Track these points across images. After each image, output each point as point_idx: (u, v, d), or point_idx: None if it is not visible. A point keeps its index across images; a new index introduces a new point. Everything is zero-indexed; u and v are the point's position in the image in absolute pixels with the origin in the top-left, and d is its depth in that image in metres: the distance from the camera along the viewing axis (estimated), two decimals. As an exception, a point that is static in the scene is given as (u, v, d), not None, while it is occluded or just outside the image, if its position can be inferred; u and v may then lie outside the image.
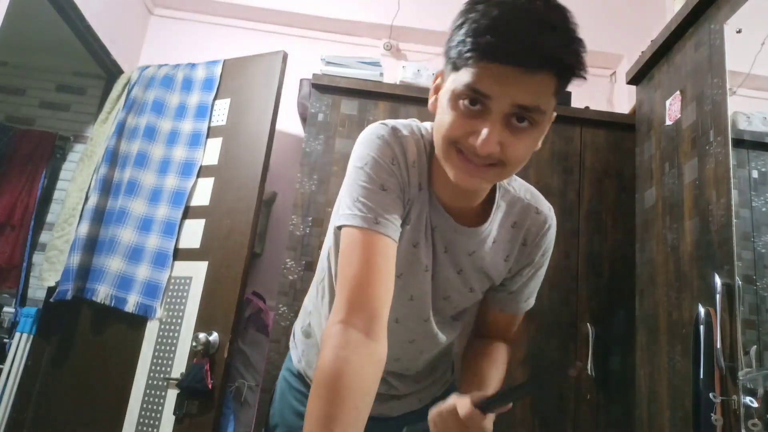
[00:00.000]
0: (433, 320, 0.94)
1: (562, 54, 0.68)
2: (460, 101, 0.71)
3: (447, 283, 0.92)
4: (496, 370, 0.92)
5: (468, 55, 0.68)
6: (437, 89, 0.80)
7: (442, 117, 0.75)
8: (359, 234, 0.77)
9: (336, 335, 0.70)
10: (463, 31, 0.69)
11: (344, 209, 0.80)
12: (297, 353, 1.04)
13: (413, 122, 0.88)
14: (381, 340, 0.72)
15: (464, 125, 0.72)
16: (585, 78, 0.73)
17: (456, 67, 0.71)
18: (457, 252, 0.89)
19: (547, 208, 0.96)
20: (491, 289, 0.98)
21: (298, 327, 1.07)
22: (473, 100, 0.70)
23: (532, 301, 1.01)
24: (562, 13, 0.70)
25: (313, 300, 1.02)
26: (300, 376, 1.02)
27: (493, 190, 0.90)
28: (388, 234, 0.78)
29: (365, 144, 0.83)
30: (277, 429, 1.00)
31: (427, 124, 0.89)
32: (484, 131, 0.69)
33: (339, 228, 0.80)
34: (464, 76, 0.70)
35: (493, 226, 0.90)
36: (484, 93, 0.69)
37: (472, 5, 0.71)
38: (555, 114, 0.80)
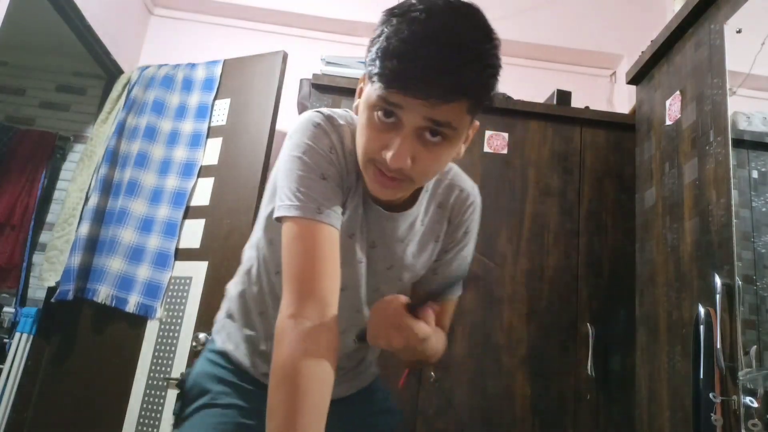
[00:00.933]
0: (364, 311, 0.94)
1: (469, 86, 0.68)
2: (375, 113, 0.72)
3: (378, 276, 0.93)
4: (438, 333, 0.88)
5: (375, 78, 0.69)
6: (361, 92, 0.79)
7: (361, 130, 0.76)
8: (302, 225, 0.76)
9: (290, 329, 0.70)
10: (376, 47, 0.70)
11: (283, 200, 0.78)
12: (222, 336, 1.01)
13: (348, 113, 0.88)
14: (334, 329, 0.72)
15: (378, 139, 0.72)
16: (492, 104, 0.75)
17: (371, 78, 0.72)
18: (388, 242, 0.90)
19: (470, 186, 0.97)
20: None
21: (221, 315, 1.06)
22: (387, 112, 0.71)
23: (458, 288, 0.98)
24: (480, 33, 0.70)
25: (237, 288, 1.01)
26: (222, 353, 0.99)
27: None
28: (332, 223, 0.77)
29: (301, 132, 0.81)
30: (199, 397, 0.96)
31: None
32: (395, 144, 0.70)
33: (278, 219, 0.79)
34: (379, 89, 0.70)
35: (420, 209, 0.91)
36: (397, 103, 0.69)
37: (388, 16, 0.71)
38: (477, 123, 0.80)
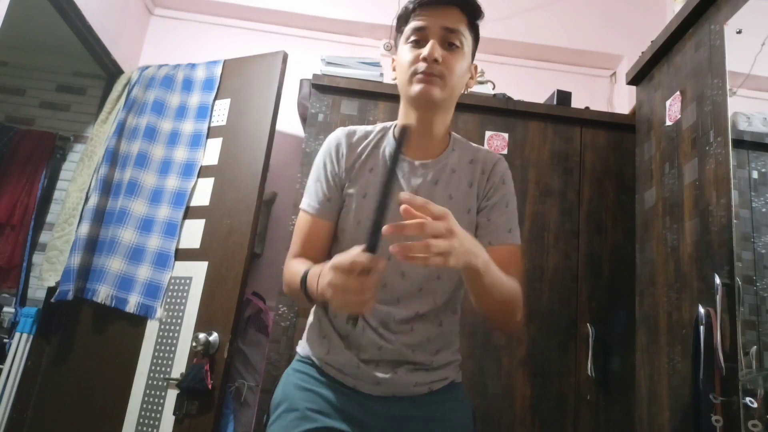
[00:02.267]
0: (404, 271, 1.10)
1: None
2: (408, 43, 1.07)
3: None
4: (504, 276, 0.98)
5: (410, 7, 1.08)
6: (393, 67, 1.15)
7: (400, 61, 1.10)
8: (302, 215, 1.15)
9: (287, 263, 1.13)
10: (406, 2, 1.10)
11: (304, 194, 1.17)
12: (301, 345, 1.17)
13: (373, 126, 1.21)
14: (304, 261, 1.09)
15: (415, 54, 1.06)
16: (482, 16, 1.11)
17: (400, 30, 1.11)
18: (422, 188, 1.11)
19: (497, 154, 1.20)
20: (477, 223, 1.13)
21: (309, 323, 1.20)
22: (416, 41, 1.07)
23: (516, 235, 1.14)
24: None
25: None
26: (305, 359, 1.13)
27: (447, 143, 1.17)
28: (317, 215, 1.13)
29: (322, 148, 1.19)
30: (281, 404, 1.08)
31: (389, 123, 1.21)
32: (428, 45, 1.04)
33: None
34: (408, 27, 1.08)
35: (449, 161, 1.14)
36: (421, 26, 1.06)
37: None
38: (477, 66, 1.19)
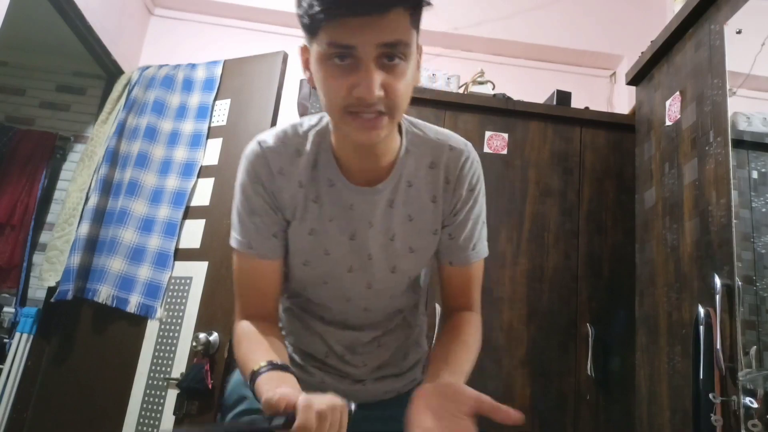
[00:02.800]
0: (357, 300, 0.97)
1: None
2: (329, 62, 0.74)
3: (382, 252, 0.93)
4: (463, 349, 0.90)
5: (319, 17, 0.71)
6: (307, 64, 0.82)
7: (322, 87, 0.78)
8: (240, 258, 0.92)
9: (241, 326, 0.91)
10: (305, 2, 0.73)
11: (232, 230, 0.93)
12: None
13: (289, 124, 0.94)
14: (270, 322, 0.93)
15: (343, 84, 0.74)
16: (431, 5, 0.76)
17: (313, 33, 0.75)
18: (377, 218, 0.91)
19: (462, 143, 0.95)
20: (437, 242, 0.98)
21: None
22: (341, 56, 0.73)
23: (480, 249, 0.98)
24: None
25: None
26: None
27: (398, 146, 0.91)
28: (262, 255, 0.91)
29: (241, 166, 0.93)
30: (238, 403, 0.99)
31: (310, 118, 0.94)
32: (362, 77, 0.72)
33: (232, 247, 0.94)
34: (323, 38, 0.73)
35: (404, 171, 0.91)
36: (346, 44, 0.72)
37: None
38: (421, 46, 0.84)
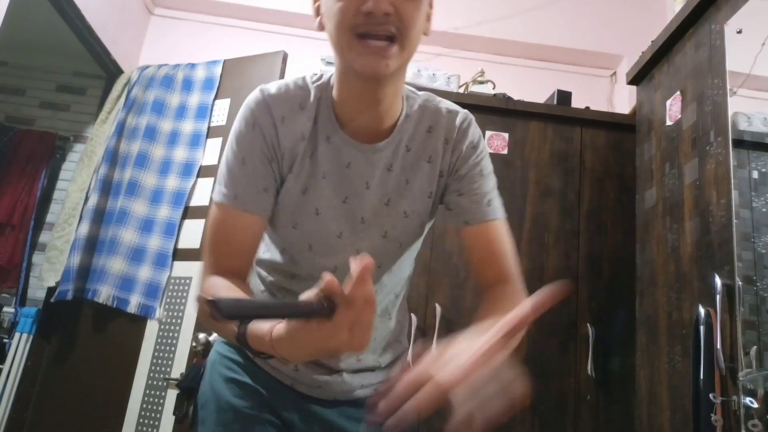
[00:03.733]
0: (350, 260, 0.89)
1: None
2: None
3: (374, 216, 0.89)
4: (495, 311, 0.74)
5: None
6: (318, 11, 0.82)
7: (332, 13, 0.75)
8: (220, 211, 0.84)
9: (209, 280, 0.81)
10: None
11: (216, 183, 0.86)
12: None
13: (291, 78, 0.89)
14: (242, 281, 0.84)
15: (353, 2, 0.71)
16: None
17: None
18: (374, 177, 0.88)
19: (460, 109, 0.95)
20: (446, 203, 0.94)
21: None
22: None
23: (497, 207, 0.93)
24: None
25: None
26: (233, 344, 0.95)
27: (399, 109, 0.90)
28: (245, 209, 0.83)
29: (240, 114, 0.86)
30: (207, 404, 0.94)
31: (322, 75, 0.91)
32: None
33: (213, 201, 0.86)
34: None
35: (404, 135, 0.89)
36: None
37: None
38: (433, 4, 0.83)
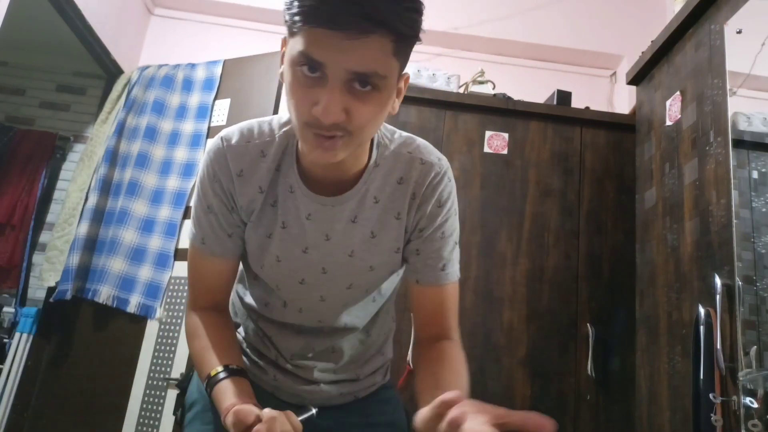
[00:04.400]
0: (307, 309, 0.95)
1: (389, 17, 0.64)
2: (299, 68, 0.68)
3: (336, 266, 0.89)
4: (457, 378, 0.81)
5: (296, 19, 0.66)
6: (283, 57, 0.75)
7: (288, 93, 0.72)
8: (193, 251, 0.91)
9: (193, 319, 0.92)
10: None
11: (190, 223, 0.92)
12: None
13: (259, 121, 0.88)
14: (220, 312, 0.95)
15: (307, 97, 0.68)
16: (419, 41, 0.70)
17: (291, 33, 0.69)
18: (336, 229, 0.87)
19: (436, 158, 0.89)
20: (404, 256, 0.92)
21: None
22: (311, 67, 0.67)
23: (451, 272, 0.91)
24: None
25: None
26: None
27: (367, 158, 0.86)
28: (212, 252, 0.89)
29: (202, 161, 0.89)
30: (195, 405, 0.97)
31: (282, 116, 0.89)
32: (324, 98, 0.66)
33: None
34: (298, 43, 0.67)
35: (371, 186, 0.86)
36: (316, 60, 0.66)
37: None
38: (408, 75, 0.78)
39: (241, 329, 1.01)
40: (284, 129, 0.86)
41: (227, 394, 0.78)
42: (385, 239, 0.88)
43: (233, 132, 0.86)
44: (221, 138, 0.86)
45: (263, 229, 0.88)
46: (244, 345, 0.99)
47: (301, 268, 0.89)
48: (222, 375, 0.81)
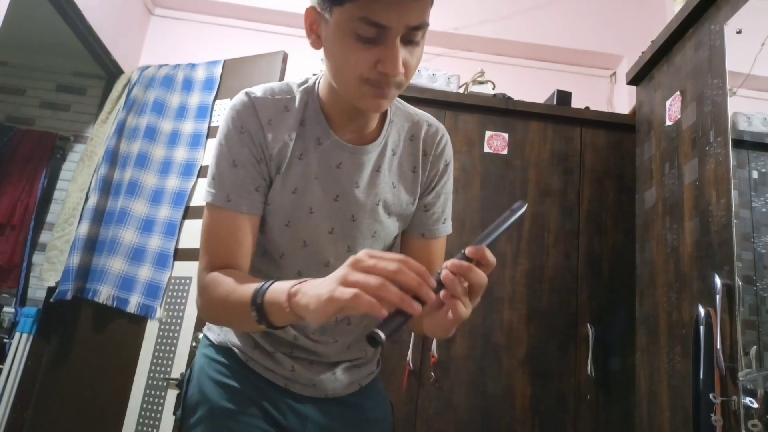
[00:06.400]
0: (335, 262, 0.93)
1: None
2: (354, 34, 0.74)
3: (360, 213, 0.93)
4: None
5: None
6: (314, 27, 0.82)
7: (342, 58, 0.78)
8: (213, 211, 0.87)
9: (210, 275, 0.84)
10: None
11: (207, 185, 0.89)
12: (215, 331, 1.01)
13: (276, 82, 0.94)
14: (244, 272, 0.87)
15: (367, 58, 0.75)
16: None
17: (338, 2, 0.74)
18: (359, 176, 0.92)
19: (437, 122, 1.01)
20: (412, 213, 0.98)
21: None
22: (369, 30, 0.73)
23: (449, 225, 1.02)
24: None
25: None
26: (221, 347, 0.98)
27: (384, 116, 0.95)
28: (238, 209, 0.86)
29: (226, 117, 0.90)
30: (199, 406, 0.93)
31: (305, 81, 0.94)
32: (392, 55, 0.74)
33: (206, 203, 0.89)
34: (355, 11, 0.72)
35: (389, 139, 0.95)
36: (381, 23, 0.72)
37: None
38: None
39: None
40: (302, 87, 0.92)
41: (287, 284, 0.71)
42: (403, 190, 0.96)
43: (256, 88, 0.91)
44: (245, 92, 0.91)
45: (291, 181, 0.89)
46: (257, 337, 0.96)
47: (332, 215, 0.92)
48: (270, 282, 0.74)
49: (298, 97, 0.91)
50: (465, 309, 0.67)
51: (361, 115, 0.89)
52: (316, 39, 0.82)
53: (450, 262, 0.66)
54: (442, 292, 0.65)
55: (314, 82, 0.93)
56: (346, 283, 0.62)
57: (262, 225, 0.91)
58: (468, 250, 0.67)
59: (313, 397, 0.96)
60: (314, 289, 0.66)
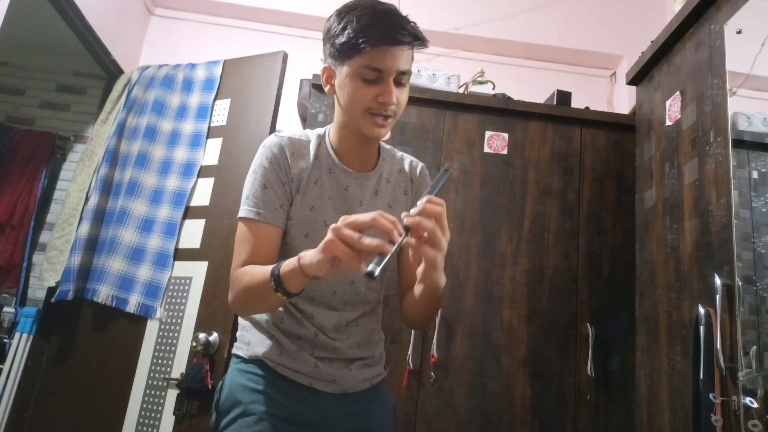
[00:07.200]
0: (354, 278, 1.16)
1: (416, 33, 1.04)
2: (361, 77, 1.04)
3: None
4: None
5: (362, 45, 1.01)
6: (329, 80, 1.12)
7: (352, 95, 1.06)
8: (246, 223, 1.10)
9: (239, 271, 1.06)
10: (348, 30, 1.02)
11: (241, 204, 1.12)
12: (243, 349, 1.16)
13: (301, 131, 1.21)
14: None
15: (370, 93, 1.05)
16: (427, 46, 1.08)
17: (348, 57, 1.04)
18: (365, 197, 1.17)
19: (416, 159, 1.31)
20: None
21: (246, 325, 1.20)
22: (371, 74, 1.04)
23: None
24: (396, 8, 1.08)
25: None
26: (251, 360, 1.13)
27: (378, 154, 1.23)
28: (267, 221, 1.09)
29: (259, 153, 1.15)
30: (232, 409, 1.09)
31: (317, 130, 1.22)
32: (387, 90, 1.05)
33: (239, 219, 1.12)
34: (361, 61, 1.03)
35: (383, 171, 1.22)
36: (380, 69, 1.03)
37: (344, 13, 1.05)
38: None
39: (274, 321, 1.13)
40: (315, 133, 1.20)
41: (296, 256, 0.92)
42: (398, 209, 1.15)
43: (283, 132, 1.18)
44: (276, 134, 1.17)
45: (308, 200, 1.13)
46: (280, 335, 1.12)
47: None
48: (284, 261, 0.95)
49: (313, 140, 1.17)
50: (432, 251, 0.86)
51: (362, 149, 1.17)
52: (330, 88, 1.12)
53: (404, 214, 0.86)
54: (410, 238, 0.85)
55: (325, 131, 1.20)
56: (333, 237, 0.84)
57: (285, 236, 1.12)
58: (421, 203, 0.86)
59: (333, 393, 1.11)
60: (313, 250, 0.89)
